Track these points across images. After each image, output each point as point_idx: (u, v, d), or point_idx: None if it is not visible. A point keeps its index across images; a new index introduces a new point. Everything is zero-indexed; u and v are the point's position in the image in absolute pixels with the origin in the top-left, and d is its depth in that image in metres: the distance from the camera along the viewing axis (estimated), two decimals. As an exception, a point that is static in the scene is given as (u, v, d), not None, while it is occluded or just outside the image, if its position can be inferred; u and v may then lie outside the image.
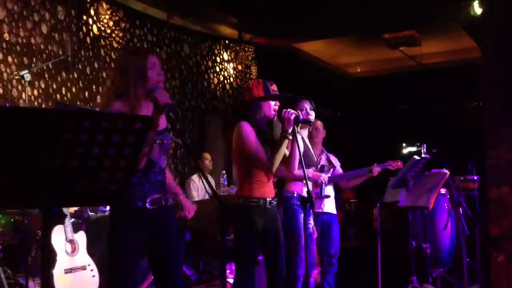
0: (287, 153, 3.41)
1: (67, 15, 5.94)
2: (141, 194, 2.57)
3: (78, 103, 5.94)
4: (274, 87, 3.40)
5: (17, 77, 4.66)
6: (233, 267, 3.38)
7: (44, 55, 5.61)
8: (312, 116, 4.02)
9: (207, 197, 6.53)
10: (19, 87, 5.23)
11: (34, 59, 5.49)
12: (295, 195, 3.88)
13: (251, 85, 3.42)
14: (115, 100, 2.56)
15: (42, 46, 5.60)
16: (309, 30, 8.20)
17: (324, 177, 4.05)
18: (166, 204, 2.67)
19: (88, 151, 1.58)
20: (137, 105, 2.57)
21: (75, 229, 4.18)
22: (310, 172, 3.96)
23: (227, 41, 8.56)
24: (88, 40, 6.24)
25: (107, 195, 1.72)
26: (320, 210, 4.51)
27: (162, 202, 2.64)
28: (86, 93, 6.13)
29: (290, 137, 3.27)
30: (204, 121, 8.07)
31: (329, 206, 4.61)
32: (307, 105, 4.01)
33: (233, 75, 8.66)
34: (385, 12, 7.35)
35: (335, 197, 4.77)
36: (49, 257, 1.68)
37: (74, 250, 4.03)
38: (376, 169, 4.66)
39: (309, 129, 4.16)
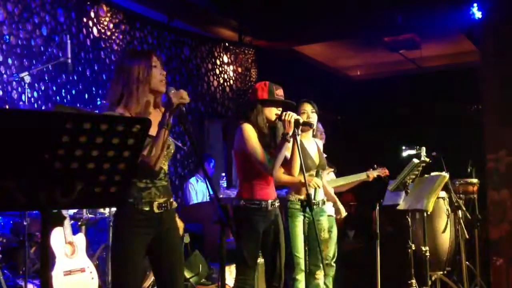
0: (288, 156, 3.40)
1: (67, 17, 5.95)
2: (148, 198, 2.58)
3: (78, 105, 5.93)
4: (279, 92, 3.38)
5: (17, 79, 4.66)
6: (233, 270, 3.38)
7: (44, 57, 5.61)
8: (314, 119, 4.00)
9: (205, 199, 6.54)
10: (19, 89, 5.23)
11: (34, 61, 5.50)
12: (297, 200, 3.79)
13: (257, 86, 3.42)
14: (117, 105, 2.56)
15: (42, 48, 5.61)
16: (309, 33, 8.21)
17: (317, 181, 3.85)
18: (171, 208, 2.69)
19: (88, 154, 1.58)
20: (141, 108, 2.56)
21: (74, 231, 4.18)
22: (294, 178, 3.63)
23: (227, 44, 8.56)
24: (88, 42, 6.24)
25: (107, 197, 1.72)
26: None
27: (167, 206, 2.65)
28: (86, 95, 6.14)
29: (290, 140, 3.27)
30: (204, 123, 8.08)
31: (330, 208, 4.60)
32: (308, 108, 4.00)
33: (233, 78, 8.66)
34: (386, 15, 7.36)
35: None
36: (48, 259, 1.68)
37: (73, 252, 4.02)
38: (372, 175, 4.83)
39: (313, 132, 4.13)
